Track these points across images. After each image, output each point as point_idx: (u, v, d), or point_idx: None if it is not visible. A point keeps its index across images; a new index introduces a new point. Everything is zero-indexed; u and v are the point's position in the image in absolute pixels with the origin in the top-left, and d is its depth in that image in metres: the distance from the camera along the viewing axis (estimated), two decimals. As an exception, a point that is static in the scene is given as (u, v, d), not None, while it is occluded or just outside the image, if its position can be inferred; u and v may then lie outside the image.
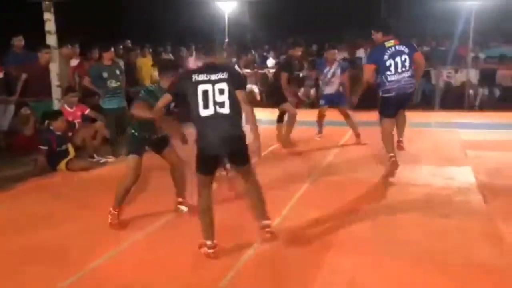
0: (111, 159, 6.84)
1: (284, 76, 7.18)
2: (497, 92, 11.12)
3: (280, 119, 7.69)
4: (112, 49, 7.06)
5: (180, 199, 4.67)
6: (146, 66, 9.83)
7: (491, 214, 4.39)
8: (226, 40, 12.55)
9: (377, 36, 5.59)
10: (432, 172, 5.86)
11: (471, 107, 11.16)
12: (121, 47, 10.55)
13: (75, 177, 6.14)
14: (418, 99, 11.75)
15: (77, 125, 6.96)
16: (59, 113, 6.54)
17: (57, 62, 7.42)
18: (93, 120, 7.29)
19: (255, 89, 12.64)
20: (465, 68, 11.36)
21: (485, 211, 4.50)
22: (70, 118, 6.86)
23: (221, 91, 3.51)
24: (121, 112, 6.94)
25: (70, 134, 6.60)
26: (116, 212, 4.31)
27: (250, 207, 3.98)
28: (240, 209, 4.38)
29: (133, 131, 4.33)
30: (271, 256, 3.68)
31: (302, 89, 12.33)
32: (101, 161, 6.71)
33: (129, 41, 11.51)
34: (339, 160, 6.70)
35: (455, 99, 11.42)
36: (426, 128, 8.79)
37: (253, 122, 3.62)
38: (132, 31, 12.39)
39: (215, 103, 3.52)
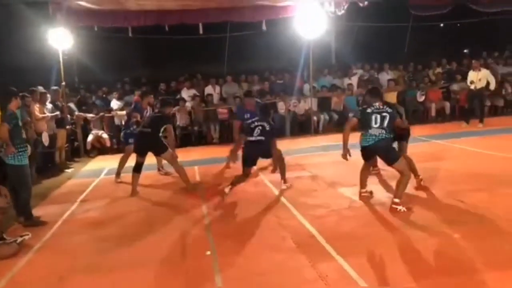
0: (27, 236, 5.15)
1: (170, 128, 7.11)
2: (335, 117, 12.63)
3: (138, 169, 7.15)
4: None
5: None
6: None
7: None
8: (63, 83, 11.06)
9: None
10: (354, 192, 6.04)
11: (316, 132, 12.39)
12: None
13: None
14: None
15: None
16: None
17: None
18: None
19: (104, 134, 11.45)
20: (306, 98, 12.61)
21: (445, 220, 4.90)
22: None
23: None
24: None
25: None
26: None
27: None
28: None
29: None
30: None
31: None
32: (18, 241, 4.98)
33: None
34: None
35: (302, 126, 12.62)
36: (299, 155, 9.29)
37: None
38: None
39: None
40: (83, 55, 12.57)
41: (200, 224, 5.40)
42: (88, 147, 11.44)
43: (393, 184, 5.80)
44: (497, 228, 4.54)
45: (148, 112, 7.84)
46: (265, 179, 7.38)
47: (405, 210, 5.18)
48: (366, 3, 8.94)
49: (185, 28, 11.74)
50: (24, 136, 5.79)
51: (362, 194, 5.87)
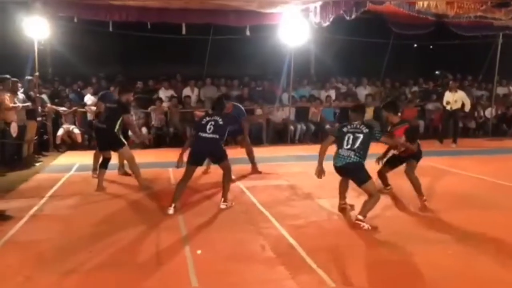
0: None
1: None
2: (312, 128, 12.63)
3: (104, 164, 7.03)
4: None
5: None
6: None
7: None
8: (37, 73, 10.65)
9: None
10: (333, 204, 5.90)
11: (292, 142, 12.34)
12: None
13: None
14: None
15: None
16: None
17: None
18: None
19: (75, 129, 11.12)
20: (284, 106, 12.57)
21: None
22: None
23: None
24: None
25: None
26: None
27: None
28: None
29: None
30: None
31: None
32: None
33: None
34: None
35: (278, 135, 12.55)
36: (275, 163, 9.23)
37: None
38: None
39: None
40: (60, 46, 12.19)
41: (176, 230, 5.19)
42: (58, 141, 11.07)
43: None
44: (476, 247, 4.57)
45: None
46: (241, 185, 7.27)
47: (370, 228, 5.05)
48: (353, 16, 8.99)
49: (167, 27, 11.51)
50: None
51: (341, 206, 5.76)
